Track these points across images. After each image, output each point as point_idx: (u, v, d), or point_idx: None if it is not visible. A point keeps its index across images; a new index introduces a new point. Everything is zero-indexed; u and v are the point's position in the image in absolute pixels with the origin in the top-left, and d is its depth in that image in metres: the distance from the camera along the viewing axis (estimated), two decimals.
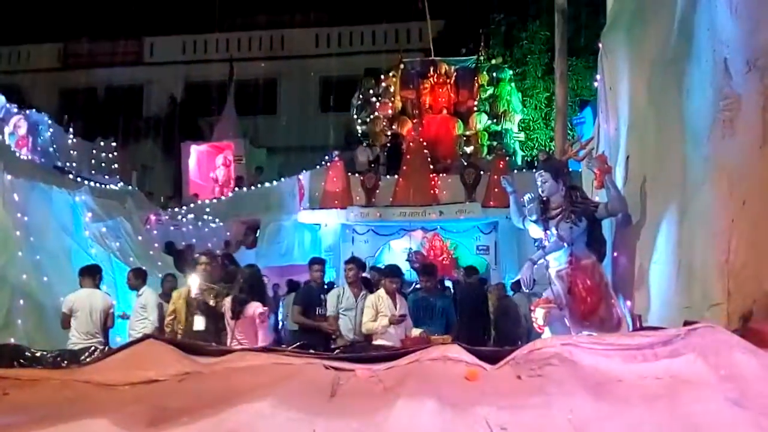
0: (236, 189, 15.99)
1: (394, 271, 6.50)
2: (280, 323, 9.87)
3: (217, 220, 14.36)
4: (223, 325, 5.31)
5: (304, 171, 14.74)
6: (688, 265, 3.64)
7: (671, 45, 4.08)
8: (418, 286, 8.06)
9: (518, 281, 5.16)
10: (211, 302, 5.40)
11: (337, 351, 5.38)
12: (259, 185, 15.32)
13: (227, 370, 2.64)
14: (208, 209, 14.69)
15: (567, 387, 2.37)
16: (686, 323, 2.74)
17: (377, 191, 13.79)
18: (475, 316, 8.12)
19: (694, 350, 2.50)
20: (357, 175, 14.17)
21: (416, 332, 6.11)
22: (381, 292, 6.18)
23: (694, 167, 3.63)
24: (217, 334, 5.33)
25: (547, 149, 15.27)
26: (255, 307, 5.10)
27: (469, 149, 15.63)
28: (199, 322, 5.43)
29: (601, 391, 2.34)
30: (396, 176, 13.95)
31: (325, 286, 7.20)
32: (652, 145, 4.46)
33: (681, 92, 3.83)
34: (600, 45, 6.01)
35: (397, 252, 13.79)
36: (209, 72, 21.47)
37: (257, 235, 14.30)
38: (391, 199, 13.74)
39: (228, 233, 14.03)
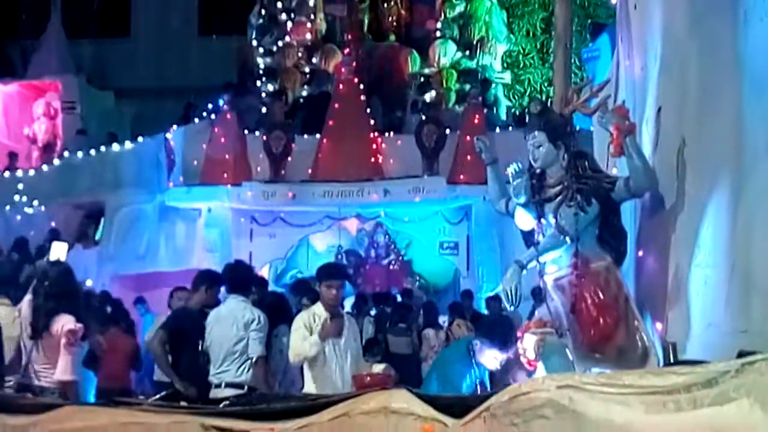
0: (66, 154, 15.65)
1: (332, 270, 6.52)
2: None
3: (35, 202, 14.11)
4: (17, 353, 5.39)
5: (174, 126, 14.56)
6: (745, 269, 3.72)
7: None
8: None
9: (497, 296, 5.21)
10: None
11: (224, 403, 5.36)
12: (102, 149, 15.04)
13: None
14: (20, 186, 14.42)
15: None
16: (740, 354, 2.84)
17: (289, 159, 13.74)
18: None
19: (749, 394, 2.58)
20: (257, 133, 14.09)
21: (379, 368, 6.18)
22: (317, 307, 6.17)
23: (756, 126, 3.72)
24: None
25: (543, 97, 15.56)
26: (64, 322, 5.32)
27: (428, 96, 15.72)
28: None
29: None
30: (318, 136, 13.92)
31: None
32: (695, 93, 4.53)
33: (737, 16, 3.94)
34: None
35: (321, 252, 13.78)
36: None
37: (100, 226, 14.11)
38: (310, 172, 13.70)
39: (53, 223, 13.75)
